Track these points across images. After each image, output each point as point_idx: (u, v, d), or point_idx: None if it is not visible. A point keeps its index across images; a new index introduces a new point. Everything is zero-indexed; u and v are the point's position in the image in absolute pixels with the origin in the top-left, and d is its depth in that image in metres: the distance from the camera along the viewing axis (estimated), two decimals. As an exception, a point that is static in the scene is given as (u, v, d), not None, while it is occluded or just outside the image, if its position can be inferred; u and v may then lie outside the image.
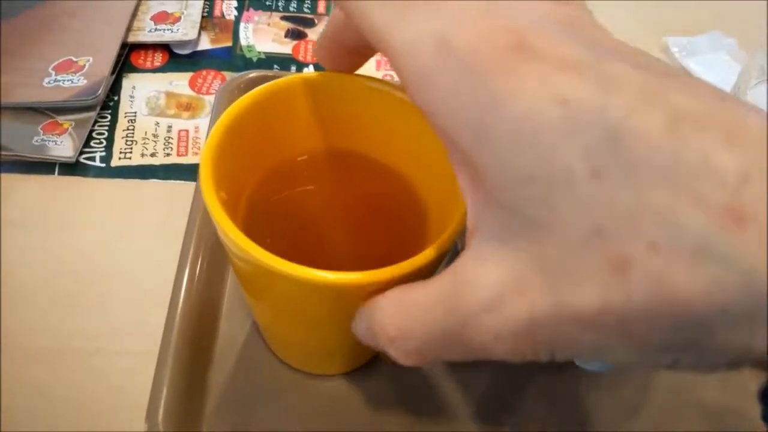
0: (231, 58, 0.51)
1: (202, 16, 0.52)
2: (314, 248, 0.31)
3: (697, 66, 0.54)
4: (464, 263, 0.20)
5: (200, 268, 0.37)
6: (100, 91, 0.45)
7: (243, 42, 0.52)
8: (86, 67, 0.46)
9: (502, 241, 0.19)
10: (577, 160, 0.17)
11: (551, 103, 0.17)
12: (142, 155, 0.44)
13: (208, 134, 0.36)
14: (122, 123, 0.46)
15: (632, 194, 0.16)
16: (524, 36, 0.18)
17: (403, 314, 0.22)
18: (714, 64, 0.54)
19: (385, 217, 0.33)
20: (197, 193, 0.40)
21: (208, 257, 0.38)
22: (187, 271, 0.37)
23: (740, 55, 0.56)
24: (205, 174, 0.26)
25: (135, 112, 0.46)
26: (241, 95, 0.44)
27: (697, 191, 0.16)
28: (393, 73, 0.50)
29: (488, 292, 0.19)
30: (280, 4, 0.55)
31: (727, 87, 0.51)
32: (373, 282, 0.23)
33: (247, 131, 0.29)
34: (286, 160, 0.32)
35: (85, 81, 0.45)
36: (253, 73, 0.46)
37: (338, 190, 0.34)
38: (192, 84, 0.48)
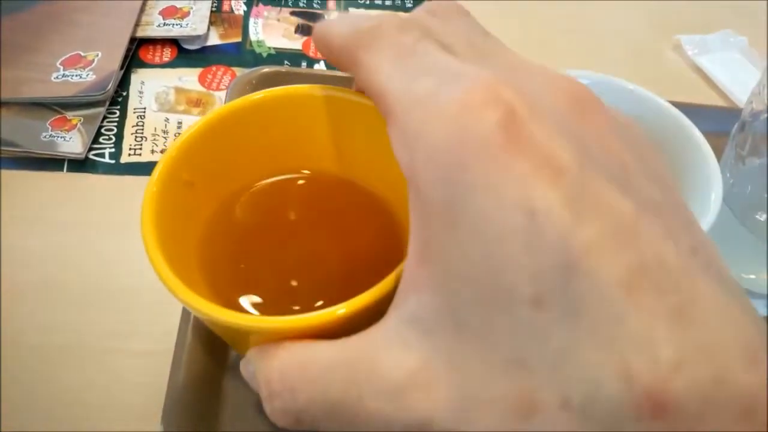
0: (241, 54, 0.50)
1: (211, 11, 0.52)
2: (283, 271, 0.28)
3: (710, 64, 0.53)
4: (382, 337, 0.19)
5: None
6: (109, 86, 0.44)
7: (253, 37, 0.51)
8: (95, 62, 0.46)
9: (428, 331, 0.18)
10: (524, 282, 0.16)
11: (518, 212, 0.16)
12: (152, 151, 0.43)
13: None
14: (131, 119, 0.45)
15: (566, 338, 0.15)
16: (521, 116, 0.17)
17: (299, 370, 0.20)
18: (726, 62, 0.54)
19: (357, 234, 0.30)
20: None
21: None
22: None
23: (751, 53, 0.55)
24: (147, 229, 0.24)
25: (144, 108, 0.46)
26: (252, 91, 0.44)
27: (628, 363, 0.15)
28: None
29: (397, 376, 0.18)
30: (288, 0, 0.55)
31: (739, 85, 0.51)
32: (290, 329, 0.21)
33: (197, 162, 0.27)
34: (246, 186, 0.30)
35: (94, 76, 0.45)
36: (265, 69, 0.46)
37: (312, 213, 0.31)
38: (202, 80, 0.48)
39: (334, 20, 0.23)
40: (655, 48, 0.56)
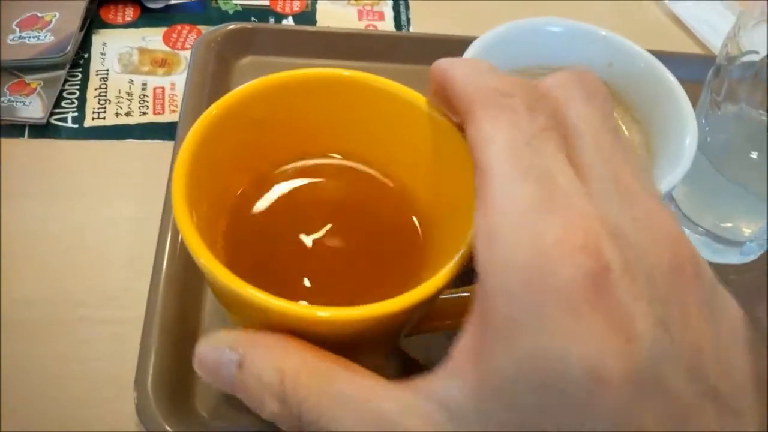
0: (206, 11, 0.48)
1: (174, -32, 0.50)
2: (300, 264, 0.28)
3: (687, 11, 0.53)
4: (413, 404, 0.19)
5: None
6: (68, 48, 0.43)
7: (218, -6, 0.49)
8: (53, 22, 0.44)
9: (457, 423, 0.18)
10: None
11: (580, 371, 0.16)
12: (117, 115, 0.42)
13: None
14: (94, 81, 0.43)
15: None
16: (613, 274, 0.16)
17: (318, 393, 0.20)
18: (703, 9, 0.53)
19: (378, 231, 0.30)
20: (176, 150, 0.38)
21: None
22: (169, 234, 0.35)
23: (733, 6, 0.54)
24: (178, 193, 0.24)
25: (107, 70, 0.44)
26: (219, 49, 0.43)
27: None
28: (376, 22, 0.48)
29: None
30: (254, -47, 0.53)
31: (716, 33, 0.50)
32: (353, 319, 0.21)
33: (227, 138, 0.27)
34: (272, 168, 0.30)
35: (53, 37, 0.43)
36: (231, 26, 0.44)
37: (329, 201, 0.31)
38: (166, 39, 0.46)
39: (464, 62, 0.23)
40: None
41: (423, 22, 0.50)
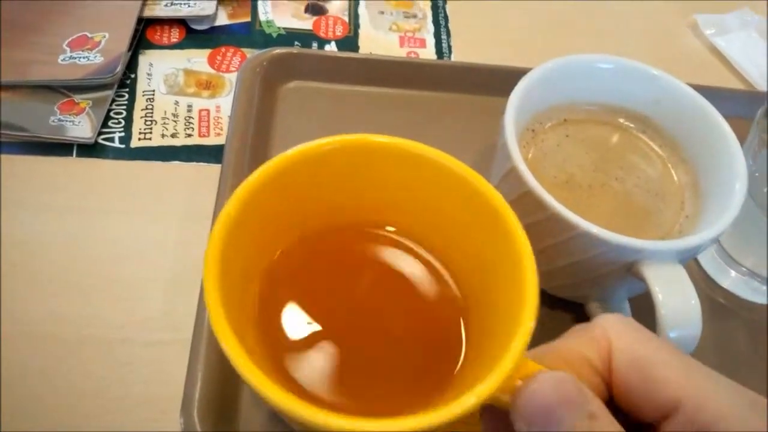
0: (250, 34, 0.49)
1: (219, -10, 0.51)
2: (335, 342, 0.27)
3: (728, 45, 0.53)
4: None
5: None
6: (117, 69, 0.43)
7: (262, 17, 0.50)
8: (102, 43, 0.45)
9: None
10: None
11: None
12: (163, 136, 0.42)
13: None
14: (140, 102, 0.44)
15: None
16: None
17: None
18: (744, 42, 0.53)
19: (416, 304, 0.29)
20: (224, 174, 0.39)
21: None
22: (215, 258, 0.36)
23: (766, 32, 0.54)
24: (212, 299, 0.23)
25: (153, 91, 0.45)
26: (264, 74, 0.44)
27: None
28: (417, 50, 0.49)
29: None
30: (298, -23, 0.54)
31: (757, 67, 0.50)
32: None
33: (263, 208, 0.26)
34: (306, 236, 0.29)
35: (102, 58, 0.44)
36: (276, 50, 0.45)
37: (365, 271, 0.30)
38: (211, 61, 0.47)
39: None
40: (671, 28, 0.55)
41: (464, 50, 0.50)
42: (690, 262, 0.38)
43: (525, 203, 0.32)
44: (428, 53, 0.50)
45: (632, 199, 0.35)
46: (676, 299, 0.30)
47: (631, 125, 0.38)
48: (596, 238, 0.30)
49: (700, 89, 0.37)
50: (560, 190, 0.35)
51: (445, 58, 0.49)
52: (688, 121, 0.36)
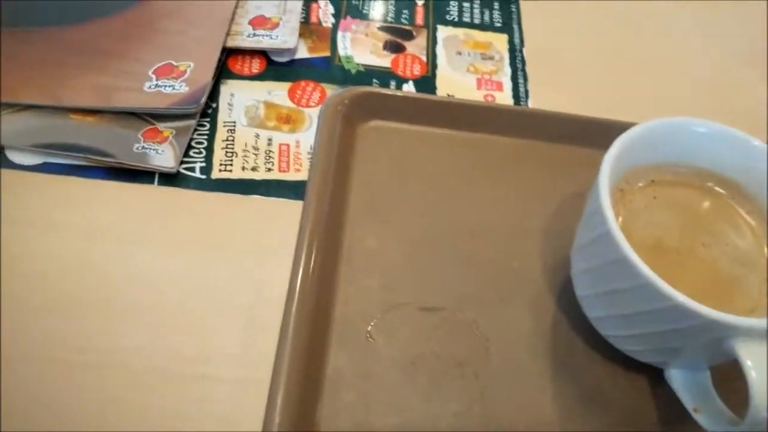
0: (329, 69, 0.49)
1: (300, 23, 0.51)
2: None
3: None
4: None
5: (310, 292, 0.36)
6: (203, 99, 0.44)
7: (341, 52, 0.50)
8: (187, 72, 0.45)
9: None
10: None
11: None
12: (243, 168, 0.43)
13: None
14: (221, 132, 0.44)
15: None
16: None
17: None
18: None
19: None
20: (306, 212, 0.39)
21: (318, 282, 0.37)
22: (296, 297, 0.36)
23: None
24: None
25: (234, 122, 0.45)
26: (345, 111, 0.44)
27: None
28: (494, 92, 0.49)
29: None
30: (376, 13, 0.54)
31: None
32: None
33: None
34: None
35: (187, 88, 0.44)
36: (358, 89, 0.45)
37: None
38: (291, 95, 0.47)
39: None
40: (750, 85, 0.55)
41: (541, 95, 0.50)
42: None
43: (616, 269, 0.32)
44: (505, 96, 0.49)
45: (719, 267, 0.35)
46: (769, 378, 0.29)
47: (721, 191, 0.37)
48: (690, 311, 0.30)
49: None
50: (648, 254, 0.34)
51: (522, 103, 0.49)
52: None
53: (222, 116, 0.45)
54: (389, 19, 0.54)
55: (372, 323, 0.37)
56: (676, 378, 0.35)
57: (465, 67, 0.51)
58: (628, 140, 0.35)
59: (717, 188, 0.37)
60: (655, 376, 0.36)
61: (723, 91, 0.54)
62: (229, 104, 0.46)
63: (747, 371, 0.29)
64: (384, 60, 0.50)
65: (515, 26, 0.55)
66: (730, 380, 0.32)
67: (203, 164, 0.43)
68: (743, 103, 0.53)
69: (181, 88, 0.44)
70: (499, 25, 0.55)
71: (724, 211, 0.37)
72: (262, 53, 0.49)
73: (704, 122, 0.36)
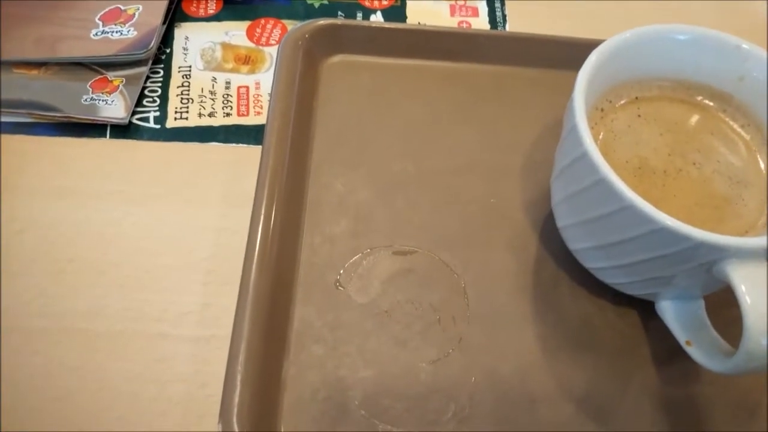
0: (291, 4, 0.46)
1: (258, -43, 0.48)
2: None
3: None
4: None
5: (272, 243, 0.34)
6: (152, 44, 0.41)
7: (303, -15, 0.47)
8: (136, 16, 0.42)
9: None
10: None
11: None
12: (200, 115, 0.40)
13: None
14: (176, 79, 0.42)
15: None
16: None
17: None
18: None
19: None
20: (265, 157, 0.36)
21: (280, 230, 0.34)
22: (257, 246, 0.33)
23: None
24: None
25: (189, 67, 0.42)
26: (307, 47, 0.41)
27: None
28: (469, 19, 0.46)
29: None
30: (341, -58, 0.50)
31: None
32: None
33: None
34: None
35: (135, 32, 0.41)
36: (319, 21, 0.42)
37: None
38: (250, 34, 0.44)
39: None
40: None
41: (519, 19, 0.47)
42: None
43: (596, 193, 0.29)
44: (481, 22, 0.46)
45: (712, 186, 0.32)
46: (766, 303, 0.26)
47: (711, 104, 0.34)
48: (677, 233, 0.27)
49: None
50: (632, 177, 0.31)
51: (499, 28, 0.46)
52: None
53: (176, 61, 0.42)
54: (354, -53, 0.50)
55: (341, 271, 0.35)
56: (668, 309, 0.32)
57: (437, -6, 0.47)
58: (604, 54, 0.32)
59: (706, 101, 0.34)
60: (647, 308, 0.34)
61: (713, 10, 0.50)
62: (184, 48, 0.43)
63: (740, 297, 0.26)
64: (350, -9, 0.47)
65: (491, -53, 0.51)
66: (728, 307, 0.29)
67: (157, 113, 0.40)
68: (742, 16, 0.49)
69: (130, 33, 0.41)
70: None
71: (715, 126, 0.34)
72: (219, -8, 0.46)
73: (685, 27, 0.33)
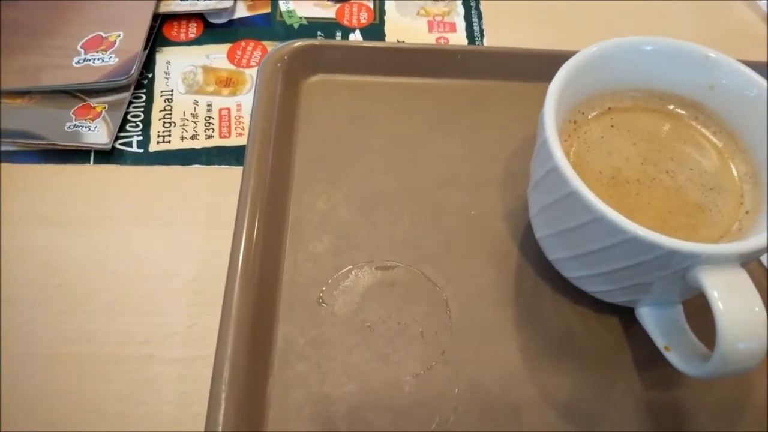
0: (271, 26, 0.47)
1: (237, -20, 0.48)
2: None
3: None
4: None
5: (254, 262, 0.34)
6: (133, 70, 0.41)
7: (282, 7, 0.48)
8: (117, 43, 0.43)
9: None
10: None
11: None
12: (182, 138, 0.41)
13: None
14: (158, 103, 0.42)
15: None
16: None
17: None
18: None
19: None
20: (246, 178, 0.37)
21: (261, 250, 0.35)
22: (239, 267, 0.34)
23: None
24: None
25: (171, 91, 0.43)
26: (286, 68, 0.42)
27: None
28: (447, 35, 0.46)
29: None
30: (319, -37, 0.51)
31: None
32: None
33: None
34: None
35: (117, 59, 0.42)
36: (297, 43, 0.42)
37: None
38: (230, 56, 0.45)
39: None
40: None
41: (496, 34, 0.47)
42: (752, 263, 0.35)
43: (569, 205, 0.29)
44: (459, 38, 0.47)
45: (685, 194, 0.32)
46: (738, 308, 0.27)
47: (683, 112, 0.35)
48: (647, 242, 0.27)
49: (758, 68, 0.33)
50: (606, 187, 0.32)
51: (477, 43, 0.46)
52: (747, 105, 0.33)
53: (158, 86, 0.43)
54: (333, -32, 0.51)
55: (323, 288, 0.35)
56: (647, 315, 0.32)
57: (415, 11, 0.48)
58: (573, 67, 0.32)
59: (678, 110, 0.35)
60: (627, 315, 0.34)
61: (692, 12, 0.50)
62: (166, 73, 0.44)
63: (713, 302, 0.27)
64: (329, 11, 0.48)
65: (468, -37, 0.52)
66: (705, 312, 0.30)
67: (140, 138, 0.40)
68: (729, 24, 0.50)
69: (111, 60, 0.42)
70: None
71: (687, 134, 0.34)
72: (199, 16, 0.47)
73: (657, 39, 0.34)
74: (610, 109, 0.35)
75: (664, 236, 0.27)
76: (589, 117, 0.34)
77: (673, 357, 0.31)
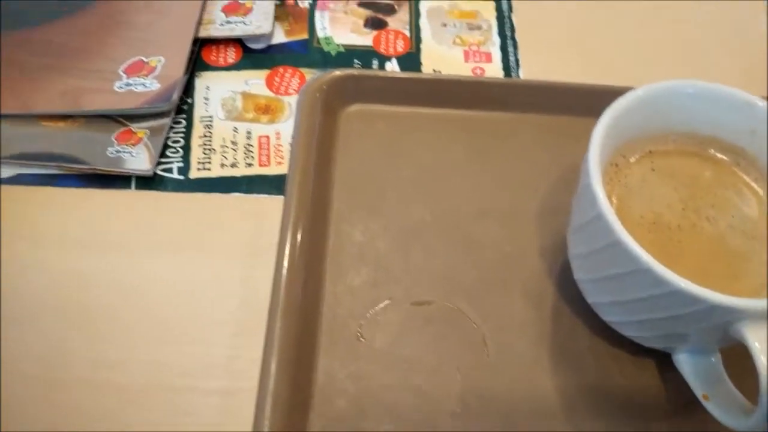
0: (308, 53, 0.47)
1: (275, 5, 0.49)
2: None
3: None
4: None
5: (296, 293, 0.35)
6: (174, 96, 0.42)
7: (320, 33, 0.48)
8: (158, 68, 0.43)
9: None
10: None
11: None
12: (222, 165, 0.41)
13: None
14: (198, 129, 0.43)
15: None
16: None
17: None
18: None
19: None
20: (287, 209, 0.37)
21: (303, 280, 0.35)
22: (280, 301, 0.34)
23: None
24: None
25: (211, 117, 0.43)
26: (324, 97, 0.42)
27: None
28: (483, 65, 0.46)
29: None
30: (356, -12, 0.51)
31: None
32: None
33: None
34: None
35: (158, 85, 0.42)
36: (336, 72, 0.43)
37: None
38: (269, 83, 0.45)
39: None
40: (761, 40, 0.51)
41: (532, 63, 0.47)
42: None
43: (612, 253, 0.29)
44: (495, 68, 0.47)
45: (726, 242, 0.32)
46: (782, 363, 0.27)
47: (724, 158, 0.35)
48: (691, 296, 0.27)
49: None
50: (647, 233, 0.32)
51: (513, 74, 0.47)
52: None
53: (198, 111, 0.43)
54: (369, -7, 0.51)
55: (362, 322, 0.35)
56: (685, 362, 0.33)
57: (451, 40, 0.48)
58: (617, 111, 0.32)
59: (719, 155, 0.35)
60: (663, 360, 0.34)
61: (725, 48, 0.50)
62: (205, 98, 0.44)
63: (756, 357, 0.27)
64: (365, 38, 0.48)
65: (503, -9, 0.52)
66: (746, 359, 0.30)
67: (181, 164, 0.41)
68: (747, 60, 0.50)
69: (153, 86, 0.42)
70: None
71: (728, 180, 0.34)
72: (238, 41, 0.47)
73: (692, 83, 0.34)
74: (650, 152, 0.35)
75: (708, 290, 0.27)
76: (631, 160, 0.34)
77: (711, 407, 0.31)
